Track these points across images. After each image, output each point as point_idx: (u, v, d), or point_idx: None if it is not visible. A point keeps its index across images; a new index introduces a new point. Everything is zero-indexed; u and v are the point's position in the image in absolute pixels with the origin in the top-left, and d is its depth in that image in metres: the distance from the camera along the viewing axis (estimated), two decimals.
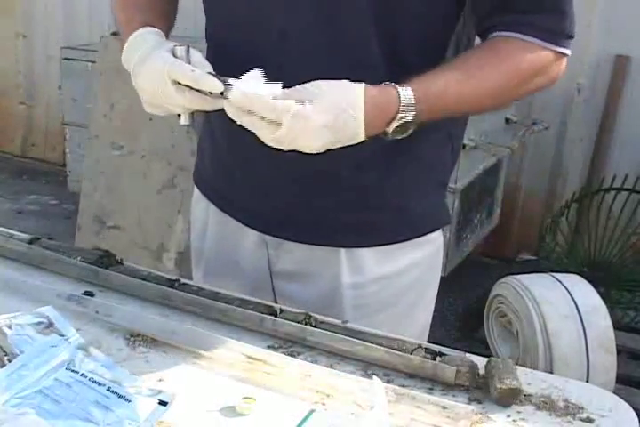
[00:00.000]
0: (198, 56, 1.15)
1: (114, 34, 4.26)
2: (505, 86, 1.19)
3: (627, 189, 3.58)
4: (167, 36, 1.27)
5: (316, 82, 1.08)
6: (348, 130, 1.08)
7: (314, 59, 1.20)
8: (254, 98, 1.04)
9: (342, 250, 1.34)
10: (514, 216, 3.99)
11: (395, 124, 1.12)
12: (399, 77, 1.14)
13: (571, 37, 1.21)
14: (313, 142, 1.08)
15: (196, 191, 1.52)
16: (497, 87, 1.19)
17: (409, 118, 1.12)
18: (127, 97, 3.32)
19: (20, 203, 4.62)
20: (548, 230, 3.60)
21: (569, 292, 2.64)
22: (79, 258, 1.31)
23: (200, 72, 1.09)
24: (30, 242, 1.37)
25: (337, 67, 1.18)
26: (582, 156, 3.78)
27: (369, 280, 1.36)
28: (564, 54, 1.21)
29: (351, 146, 1.13)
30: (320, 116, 1.05)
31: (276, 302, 1.42)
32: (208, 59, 1.17)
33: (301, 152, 1.11)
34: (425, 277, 1.42)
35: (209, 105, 1.12)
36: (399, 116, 1.11)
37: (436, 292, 1.47)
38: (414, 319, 1.45)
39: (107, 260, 1.32)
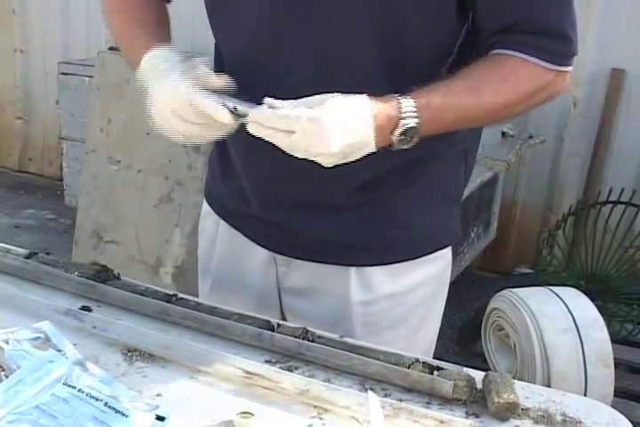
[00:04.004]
0: (206, 71, 1.18)
1: (111, 49, 4.29)
2: (504, 103, 1.20)
3: (623, 203, 3.58)
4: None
5: (323, 94, 1.10)
6: (359, 132, 1.10)
7: (317, 92, 1.21)
8: (270, 116, 1.08)
9: (352, 268, 1.34)
10: (511, 230, 3.99)
11: (398, 132, 1.13)
12: None
13: (574, 55, 1.23)
14: (327, 145, 1.08)
15: (206, 206, 1.52)
16: (496, 104, 1.20)
17: (412, 124, 1.12)
18: (124, 112, 3.33)
19: (18, 217, 4.61)
20: (544, 244, 3.60)
21: (566, 305, 2.64)
22: (76, 273, 1.31)
23: (214, 104, 1.12)
24: (28, 257, 1.37)
25: (342, 82, 1.19)
26: (579, 169, 3.79)
27: (379, 298, 1.36)
28: (567, 71, 1.23)
29: (364, 162, 1.14)
30: (330, 116, 1.07)
31: (283, 319, 1.42)
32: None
33: (319, 166, 1.12)
34: (434, 293, 1.42)
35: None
36: (402, 122, 1.12)
37: (444, 307, 1.48)
38: (423, 335, 1.45)
39: (104, 275, 1.32)
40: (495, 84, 1.19)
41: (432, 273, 1.39)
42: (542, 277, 3.38)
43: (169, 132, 1.18)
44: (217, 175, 1.47)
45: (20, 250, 1.41)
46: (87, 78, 4.15)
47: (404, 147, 1.15)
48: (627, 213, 3.60)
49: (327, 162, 1.11)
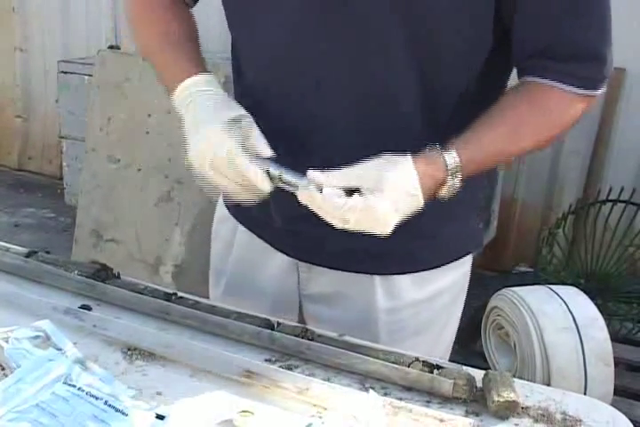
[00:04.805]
0: (257, 135, 1.15)
1: (111, 47, 4.29)
2: (544, 140, 1.21)
3: (623, 201, 3.58)
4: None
5: (367, 165, 1.09)
6: (411, 207, 1.11)
7: (347, 108, 1.20)
8: (321, 202, 1.07)
9: (377, 276, 1.33)
10: (511, 228, 3.99)
11: (444, 190, 1.13)
12: (432, 126, 1.17)
13: (607, 78, 1.22)
14: (385, 227, 1.09)
15: (222, 211, 1.50)
16: (537, 142, 1.20)
17: (457, 183, 1.13)
18: (124, 110, 3.33)
19: (17, 216, 4.61)
20: (544, 242, 3.59)
21: (566, 304, 2.63)
22: (76, 272, 1.31)
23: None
24: (27, 255, 1.37)
25: (371, 117, 1.19)
26: (578, 168, 3.79)
27: (405, 305, 1.35)
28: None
29: None
30: (385, 204, 1.07)
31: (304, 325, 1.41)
32: (241, 101, 1.21)
33: None
34: (455, 298, 1.42)
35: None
36: (448, 182, 1.13)
37: (462, 309, 1.47)
38: (443, 339, 1.44)
39: (104, 273, 1.32)
40: (537, 124, 1.18)
41: (455, 279, 1.39)
42: (542, 276, 3.37)
43: (204, 182, 1.16)
44: None
45: (20, 249, 1.41)
46: (87, 77, 4.15)
47: (447, 197, 1.15)
48: (626, 211, 3.59)
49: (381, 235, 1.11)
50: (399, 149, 1.12)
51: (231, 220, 1.46)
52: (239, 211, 1.45)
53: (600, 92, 1.21)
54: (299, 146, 1.23)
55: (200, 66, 1.26)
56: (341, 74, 1.19)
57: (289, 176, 1.12)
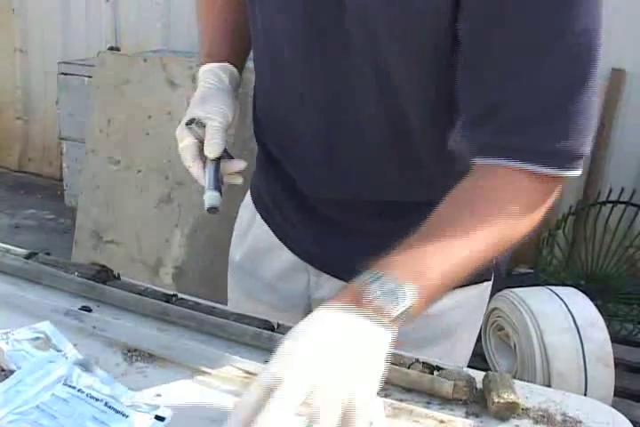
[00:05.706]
0: (210, 136, 1.22)
1: (111, 49, 4.30)
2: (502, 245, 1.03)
3: (623, 202, 3.59)
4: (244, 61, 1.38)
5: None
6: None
7: (326, 119, 1.22)
8: None
9: None
10: None
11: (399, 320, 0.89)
12: (401, 148, 1.18)
13: (573, 155, 1.01)
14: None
15: (247, 197, 1.51)
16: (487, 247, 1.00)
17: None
18: (124, 112, 3.33)
19: (17, 217, 4.62)
20: (545, 243, 3.60)
21: (566, 305, 2.64)
22: (76, 273, 1.31)
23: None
24: (27, 257, 1.37)
25: (348, 124, 1.20)
26: None
27: None
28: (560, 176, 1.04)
29: (396, 190, 1.14)
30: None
31: None
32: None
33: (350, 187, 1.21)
34: (470, 316, 1.38)
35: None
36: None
37: (480, 327, 1.45)
38: (457, 356, 1.41)
39: (104, 275, 1.32)
40: (476, 231, 0.99)
41: (468, 297, 1.34)
42: (542, 277, 3.38)
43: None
44: (257, 171, 1.47)
45: (20, 250, 1.40)
46: (87, 78, 4.16)
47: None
48: (627, 212, 3.60)
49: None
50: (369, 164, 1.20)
51: (252, 206, 1.48)
52: (259, 199, 1.46)
53: (571, 173, 1.03)
54: (288, 153, 1.30)
55: (224, 55, 1.34)
56: (319, 90, 1.21)
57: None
